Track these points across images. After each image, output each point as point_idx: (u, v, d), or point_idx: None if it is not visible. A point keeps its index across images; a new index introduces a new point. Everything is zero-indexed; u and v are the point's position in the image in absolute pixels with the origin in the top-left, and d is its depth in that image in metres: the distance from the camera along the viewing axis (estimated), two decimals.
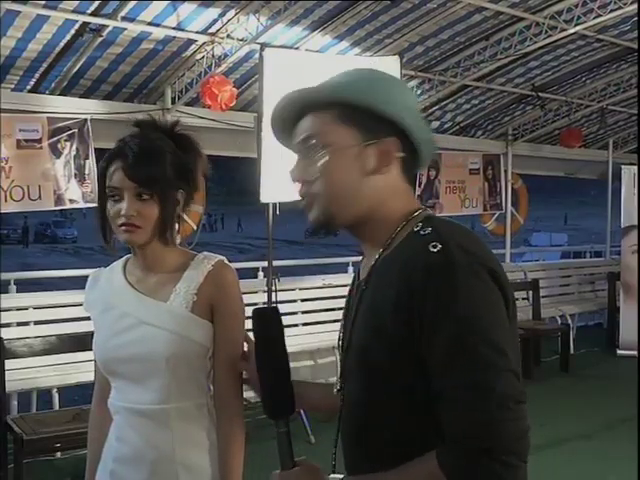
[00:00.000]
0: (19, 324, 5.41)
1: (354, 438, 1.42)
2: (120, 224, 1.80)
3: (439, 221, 1.36)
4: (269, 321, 1.49)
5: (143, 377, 1.84)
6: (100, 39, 5.29)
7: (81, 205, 5.85)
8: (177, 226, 1.90)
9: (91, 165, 5.71)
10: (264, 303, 5.65)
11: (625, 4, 5.95)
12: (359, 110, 1.37)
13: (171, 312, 1.84)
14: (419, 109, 1.50)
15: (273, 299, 5.51)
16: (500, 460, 1.18)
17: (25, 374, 4.99)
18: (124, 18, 5.21)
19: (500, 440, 1.19)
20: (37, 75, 5.65)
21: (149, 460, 1.84)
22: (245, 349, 1.82)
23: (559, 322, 8.54)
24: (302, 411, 5.37)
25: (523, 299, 8.33)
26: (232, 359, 1.83)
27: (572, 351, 8.12)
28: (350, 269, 7.65)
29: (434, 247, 1.27)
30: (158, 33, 5.52)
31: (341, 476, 1.38)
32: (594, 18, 6.20)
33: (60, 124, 5.60)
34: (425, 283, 1.25)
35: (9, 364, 4.57)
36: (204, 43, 5.80)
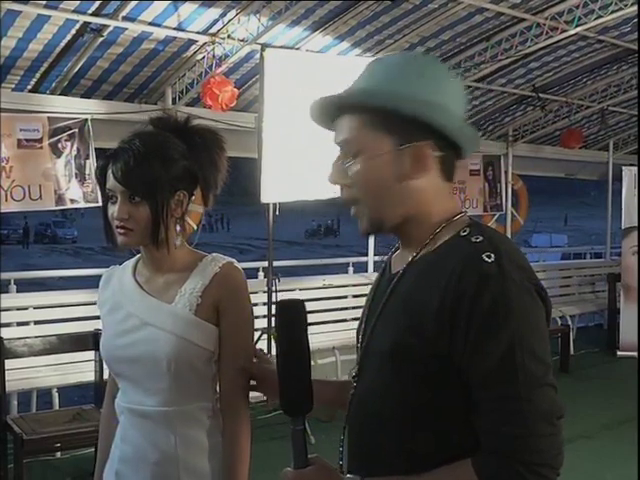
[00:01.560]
0: (19, 324, 5.42)
1: (363, 430, 1.40)
2: (115, 226, 1.81)
3: (488, 230, 1.37)
4: (296, 314, 1.43)
5: (145, 379, 1.83)
6: (101, 39, 5.30)
7: (82, 205, 5.85)
8: (178, 227, 1.86)
9: (91, 165, 5.71)
10: (264, 304, 5.66)
11: (626, 5, 5.95)
12: (389, 115, 1.34)
13: (174, 314, 1.82)
14: (461, 101, 1.43)
15: (273, 299, 5.51)
16: (538, 473, 1.20)
17: (25, 374, 4.99)
18: (125, 18, 5.21)
19: (541, 454, 1.20)
20: (38, 75, 5.65)
21: (151, 461, 1.83)
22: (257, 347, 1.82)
23: (559, 323, 8.54)
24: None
25: None
26: (239, 363, 1.81)
27: (572, 352, 8.11)
28: (350, 269, 7.64)
29: (488, 257, 1.27)
30: (159, 33, 5.53)
31: (359, 477, 1.35)
32: (595, 19, 6.20)
33: (61, 124, 5.60)
34: (479, 292, 1.24)
35: (9, 364, 4.56)
36: (205, 43, 5.80)
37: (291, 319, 1.42)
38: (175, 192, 1.82)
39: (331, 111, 1.42)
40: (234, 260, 1.90)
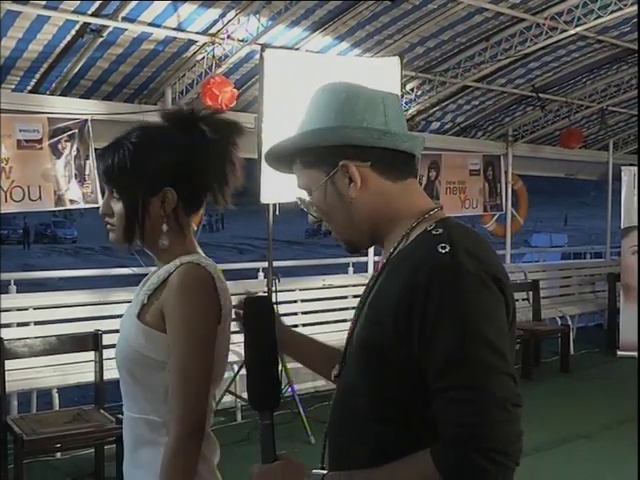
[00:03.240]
0: (19, 324, 5.42)
1: (337, 428, 1.44)
2: (104, 223, 1.80)
3: (453, 223, 1.39)
4: (259, 311, 1.47)
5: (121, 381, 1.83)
6: (101, 40, 5.29)
7: (81, 205, 5.85)
8: (164, 227, 1.73)
9: (91, 166, 5.71)
10: None
11: (625, 5, 5.95)
12: (309, 152, 1.46)
13: (129, 316, 1.76)
14: (373, 109, 1.45)
15: (273, 300, 5.52)
16: (495, 460, 1.20)
17: (25, 374, 4.99)
18: (125, 19, 5.21)
19: (497, 441, 1.20)
20: (38, 75, 5.65)
21: (128, 464, 1.82)
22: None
23: (559, 323, 8.55)
24: (302, 411, 5.37)
25: (523, 300, 8.31)
26: (182, 376, 1.63)
27: (572, 352, 8.12)
28: (350, 270, 7.64)
29: (443, 248, 1.30)
30: (159, 34, 5.52)
31: (324, 472, 1.37)
32: (594, 19, 6.20)
33: (60, 124, 5.60)
34: (429, 282, 1.27)
35: (9, 364, 4.57)
36: (205, 44, 5.80)
37: (256, 315, 1.46)
38: (158, 190, 1.71)
39: (284, 158, 1.53)
40: (203, 262, 1.72)
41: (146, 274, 1.87)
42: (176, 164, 1.73)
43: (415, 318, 1.27)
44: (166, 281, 1.69)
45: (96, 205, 5.38)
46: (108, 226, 1.78)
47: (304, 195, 1.52)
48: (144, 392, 1.72)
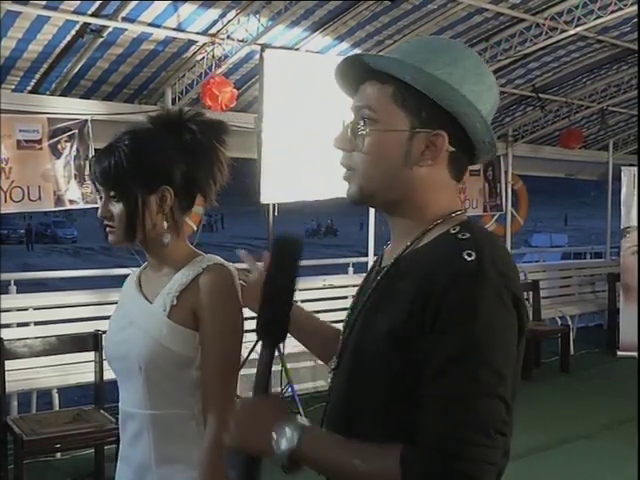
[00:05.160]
0: (19, 325, 5.42)
1: (336, 427, 1.38)
2: (103, 225, 1.81)
3: (478, 229, 1.32)
4: (294, 248, 1.38)
5: (126, 378, 1.83)
6: (100, 40, 5.29)
7: (81, 206, 5.86)
8: (165, 224, 1.79)
9: None
10: None
11: (625, 5, 5.95)
12: (415, 93, 1.30)
13: (151, 314, 1.78)
14: (493, 105, 1.37)
15: None
16: (454, 478, 1.16)
17: (25, 375, 4.99)
18: (124, 19, 5.21)
19: (467, 463, 1.16)
20: (37, 76, 5.65)
21: (133, 463, 1.83)
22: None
23: (559, 323, 8.54)
24: (302, 411, 5.37)
25: None
26: (220, 372, 1.74)
27: (572, 352, 8.12)
28: (351, 270, 7.63)
29: (469, 255, 1.23)
30: (158, 34, 5.52)
31: (307, 421, 1.31)
32: (594, 19, 6.20)
33: (60, 125, 5.61)
34: (449, 288, 1.21)
35: (9, 365, 4.57)
36: (204, 44, 5.80)
37: (288, 251, 1.38)
38: (156, 188, 1.77)
39: (358, 73, 1.36)
40: (225, 262, 1.81)
41: None
42: (172, 163, 1.79)
43: (426, 321, 1.22)
44: (194, 282, 1.75)
45: (96, 205, 5.36)
46: (108, 228, 1.80)
47: (352, 117, 1.35)
48: (174, 388, 1.77)
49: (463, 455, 1.15)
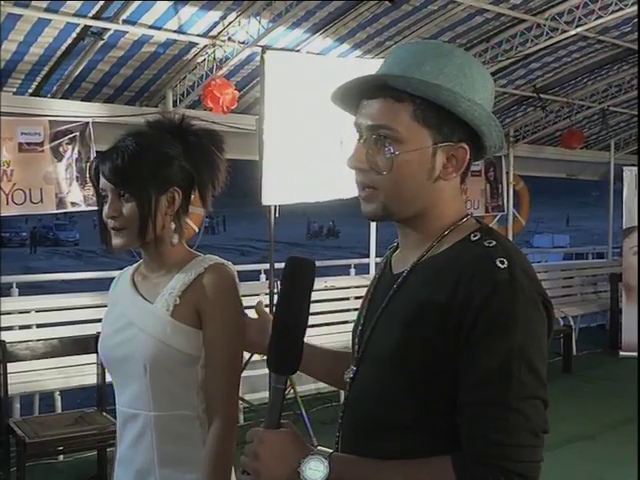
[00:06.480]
0: (21, 327, 5.43)
1: (357, 436, 1.37)
2: (110, 227, 1.79)
3: (498, 235, 1.35)
4: (305, 272, 1.35)
5: (127, 380, 1.82)
6: (101, 42, 5.30)
7: (83, 208, 5.86)
8: (173, 225, 1.82)
9: None
10: (266, 306, 5.65)
11: (626, 5, 5.95)
12: (436, 109, 1.29)
13: (154, 315, 1.78)
14: (492, 100, 1.39)
15: (274, 300, 5.50)
16: None
17: (27, 377, 5.00)
18: (125, 21, 5.22)
19: (522, 464, 1.20)
20: (39, 78, 5.66)
21: (134, 466, 1.82)
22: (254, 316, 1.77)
23: (561, 323, 8.53)
24: (304, 413, 5.37)
25: None
26: (223, 369, 1.75)
27: (574, 352, 8.12)
28: (352, 271, 7.64)
29: (502, 263, 1.25)
30: (159, 36, 5.53)
31: (331, 450, 1.30)
32: (595, 19, 6.20)
33: (62, 127, 5.62)
34: (489, 296, 1.22)
35: (11, 367, 4.57)
36: (205, 46, 5.81)
37: (299, 275, 1.35)
38: (167, 189, 1.79)
39: (360, 89, 1.34)
40: (225, 262, 1.84)
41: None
42: (180, 164, 1.81)
43: (465, 327, 1.23)
44: (196, 281, 1.77)
45: (97, 208, 5.38)
46: (114, 230, 1.78)
47: (365, 136, 1.33)
48: (179, 388, 1.77)
49: (518, 458, 1.20)
